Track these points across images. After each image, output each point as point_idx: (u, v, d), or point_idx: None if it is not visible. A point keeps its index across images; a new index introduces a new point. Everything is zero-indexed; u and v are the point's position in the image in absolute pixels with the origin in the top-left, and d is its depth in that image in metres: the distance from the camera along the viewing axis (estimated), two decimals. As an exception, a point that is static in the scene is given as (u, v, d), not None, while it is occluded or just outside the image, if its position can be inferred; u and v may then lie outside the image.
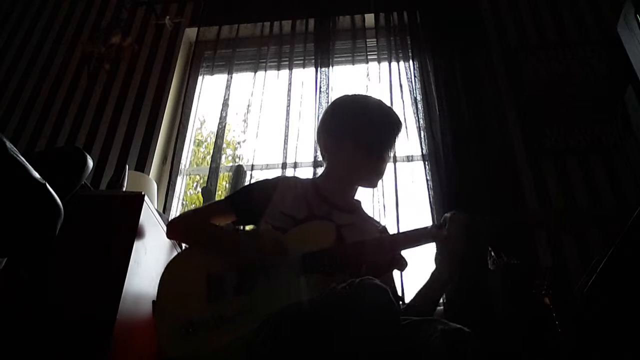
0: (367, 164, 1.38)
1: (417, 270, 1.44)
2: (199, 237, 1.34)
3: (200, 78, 2.63)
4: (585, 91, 2.26)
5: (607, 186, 2.05)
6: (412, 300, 1.26)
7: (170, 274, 1.26)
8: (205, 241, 1.32)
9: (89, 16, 2.90)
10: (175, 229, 1.38)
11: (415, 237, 1.24)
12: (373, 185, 1.47)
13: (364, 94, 1.68)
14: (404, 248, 1.26)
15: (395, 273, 1.44)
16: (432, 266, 1.24)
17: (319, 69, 2.41)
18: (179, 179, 2.35)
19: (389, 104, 2.18)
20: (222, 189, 2.33)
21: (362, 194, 1.52)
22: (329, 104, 1.54)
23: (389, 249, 1.25)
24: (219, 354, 1.07)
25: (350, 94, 1.53)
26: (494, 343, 1.63)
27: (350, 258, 1.20)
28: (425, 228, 1.25)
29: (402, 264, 1.29)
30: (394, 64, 2.40)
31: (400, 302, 1.31)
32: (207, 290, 1.18)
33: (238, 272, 1.20)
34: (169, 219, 1.62)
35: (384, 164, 1.41)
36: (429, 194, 2.05)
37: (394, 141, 1.43)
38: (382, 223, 1.54)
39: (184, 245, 1.59)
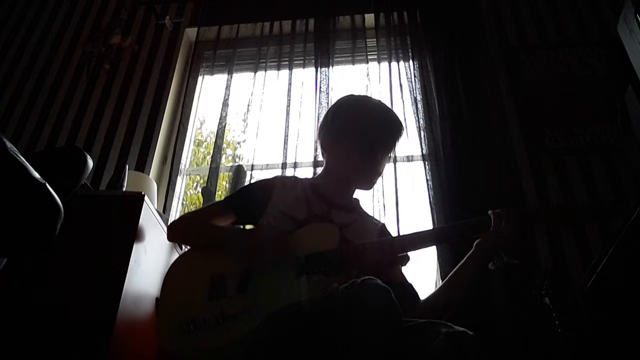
0: (363, 164, 1.38)
1: (416, 269, 1.44)
2: (200, 239, 1.34)
3: (200, 78, 2.63)
4: (585, 91, 2.26)
5: (607, 186, 2.05)
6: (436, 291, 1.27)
7: (174, 272, 1.27)
8: (207, 242, 1.32)
9: (89, 16, 2.90)
10: (175, 232, 1.38)
11: (417, 241, 1.25)
12: (368, 187, 1.47)
13: (368, 95, 1.68)
14: (407, 251, 1.26)
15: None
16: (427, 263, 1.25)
17: (319, 69, 2.41)
18: (179, 179, 2.35)
19: (389, 104, 2.20)
20: (222, 189, 2.33)
21: (362, 194, 1.52)
22: (334, 102, 1.54)
23: (392, 251, 1.25)
24: (219, 352, 1.07)
25: (355, 94, 1.53)
26: (495, 343, 1.63)
27: (352, 260, 1.20)
28: (427, 231, 1.26)
29: (403, 260, 1.29)
30: (394, 64, 2.40)
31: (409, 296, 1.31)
32: (209, 288, 1.18)
33: (240, 271, 1.20)
34: (169, 220, 1.62)
35: (380, 166, 1.40)
36: (429, 194, 2.05)
37: (393, 145, 1.42)
38: (381, 221, 1.54)
39: (184, 246, 1.60)
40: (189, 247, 1.39)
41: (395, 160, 2.10)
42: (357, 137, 1.37)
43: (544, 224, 1.84)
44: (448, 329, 0.92)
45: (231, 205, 1.39)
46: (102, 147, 2.42)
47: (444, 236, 1.33)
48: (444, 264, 1.85)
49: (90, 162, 1.26)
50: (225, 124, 2.36)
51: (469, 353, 0.89)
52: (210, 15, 2.69)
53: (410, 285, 1.33)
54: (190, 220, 1.42)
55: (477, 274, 1.25)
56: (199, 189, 2.36)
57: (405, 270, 1.37)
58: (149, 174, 2.27)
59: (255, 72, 2.48)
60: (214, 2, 2.72)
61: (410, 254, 1.28)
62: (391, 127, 1.41)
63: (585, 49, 2.36)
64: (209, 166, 2.25)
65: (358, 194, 1.49)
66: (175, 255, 1.48)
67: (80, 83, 2.63)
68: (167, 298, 1.22)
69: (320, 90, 2.33)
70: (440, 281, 1.86)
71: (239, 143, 2.52)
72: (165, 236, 1.40)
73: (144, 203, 1.34)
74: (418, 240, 1.25)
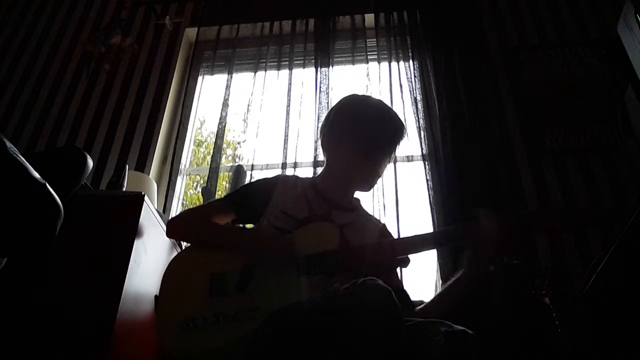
0: (363, 166, 1.38)
1: (417, 270, 1.44)
2: (199, 236, 1.34)
3: (200, 78, 2.63)
4: (585, 91, 2.26)
5: (607, 186, 2.05)
6: (429, 303, 1.26)
7: (174, 270, 1.26)
8: (206, 240, 1.32)
9: (89, 16, 2.90)
10: (174, 228, 1.37)
11: (418, 243, 1.24)
12: (367, 188, 1.46)
13: (371, 96, 1.66)
14: (408, 253, 1.26)
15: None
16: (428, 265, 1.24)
17: (319, 69, 2.41)
18: (179, 179, 2.35)
19: (389, 104, 2.20)
20: (222, 189, 2.33)
21: (363, 194, 1.52)
22: (336, 102, 1.54)
23: (392, 253, 1.25)
24: (219, 352, 1.07)
25: (357, 94, 1.53)
26: (495, 343, 1.62)
27: (352, 260, 1.20)
28: (427, 234, 1.25)
29: (404, 261, 1.29)
30: (394, 64, 2.40)
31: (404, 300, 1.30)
32: (210, 287, 1.18)
33: (241, 270, 1.20)
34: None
35: (381, 168, 1.40)
36: (429, 194, 2.05)
37: (394, 148, 1.42)
38: (382, 221, 1.54)
39: (184, 244, 1.59)
40: (187, 245, 1.39)
41: (395, 160, 2.10)
42: (358, 138, 1.37)
43: (543, 229, 1.83)
44: (447, 328, 0.92)
45: (231, 203, 1.39)
46: (102, 147, 2.42)
47: (445, 239, 1.31)
48: (444, 265, 1.85)
49: (90, 162, 1.26)
50: (225, 124, 2.36)
51: (469, 352, 0.89)
52: (210, 15, 2.69)
53: (405, 292, 1.33)
54: (190, 218, 1.41)
55: (472, 288, 1.23)
56: (199, 189, 2.36)
57: (406, 271, 1.37)
58: (149, 174, 2.27)
59: (255, 72, 2.48)
60: (214, 2, 2.72)
61: (410, 256, 1.28)
62: (392, 129, 1.41)
63: (585, 49, 2.36)
64: (209, 166, 2.25)
65: (358, 193, 1.49)
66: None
67: (80, 83, 2.63)
68: (166, 296, 1.22)
69: (320, 90, 2.33)
70: (440, 282, 1.86)
71: (239, 143, 2.52)
72: (165, 236, 1.40)
73: (144, 203, 1.34)
74: (419, 243, 1.25)
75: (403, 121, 1.47)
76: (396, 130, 1.41)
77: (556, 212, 1.39)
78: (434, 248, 1.32)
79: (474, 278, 1.21)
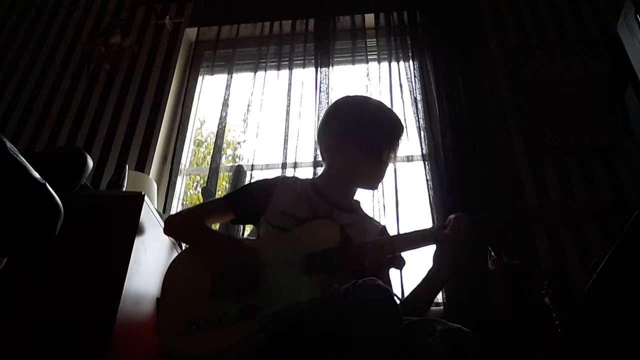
0: (367, 165, 1.38)
1: (417, 269, 1.44)
2: (195, 238, 1.34)
3: (200, 78, 2.63)
4: (585, 91, 2.26)
5: (607, 186, 2.05)
6: (405, 298, 1.26)
7: (175, 272, 1.26)
8: (201, 243, 1.32)
9: (89, 16, 2.90)
10: (172, 226, 1.37)
11: (418, 238, 1.24)
12: (373, 187, 1.47)
13: (366, 95, 1.66)
14: (407, 249, 1.26)
15: (395, 272, 1.44)
16: (429, 264, 1.24)
17: (319, 69, 2.40)
18: (179, 179, 2.35)
19: (389, 104, 2.20)
20: (222, 189, 2.33)
21: (362, 194, 1.52)
22: (332, 103, 1.54)
23: (391, 250, 1.25)
24: (221, 353, 1.07)
25: (352, 94, 1.53)
26: (494, 343, 1.63)
27: (353, 259, 1.20)
28: (428, 229, 1.25)
29: (399, 262, 1.29)
30: (394, 64, 2.39)
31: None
32: (212, 288, 1.18)
33: (242, 271, 1.20)
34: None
35: (384, 166, 1.40)
36: (429, 194, 2.05)
37: (395, 144, 1.42)
38: (382, 223, 1.54)
39: (183, 244, 1.59)
40: (186, 245, 1.39)
41: (395, 160, 2.10)
42: (362, 138, 1.37)
43: (541, 221, 1.84)
44: (443, 327, 0.93)
45: (231, 204, 1.39)
46: (102, 147, 2.42)
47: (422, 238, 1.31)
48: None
49: (90, 162, 1.26)
50: (225, 124, 2.36)
51: (465, 350, 0.89)
52: (210, 15, 2.69)
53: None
54: (188, 217, 1.41)
55: (441, 287, 1.24)
56: (199, 189, 2.36)
57: (404, 270, 1.37)
58: (149, 174, 2.27)
59: (255, 72, 2.48)
60: (214, 2, 2.72)
61: (409, 252, 1.28)
62: (395, 127, 1.41)
63: (585, 49, 2.36)
64: (209, 166, 2.25)
65: (359, 194, 1.49)
66: (176, 255, 1.48)
67: (80, 83, 2.63)
68: (168, 297, 1.22)
69: (320, 90, 2.33)
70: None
71: (239, 143, 2.52)
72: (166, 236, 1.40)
73: (144, 203, 1.34)
74: (419, 238, 1.25)
75: (402, 120, 1.48)
76: (398, 128, 1.41)
77: (553, 206, 1.39)
78: (434, 243, 1.31)
79: (445, 278, 1.21)
